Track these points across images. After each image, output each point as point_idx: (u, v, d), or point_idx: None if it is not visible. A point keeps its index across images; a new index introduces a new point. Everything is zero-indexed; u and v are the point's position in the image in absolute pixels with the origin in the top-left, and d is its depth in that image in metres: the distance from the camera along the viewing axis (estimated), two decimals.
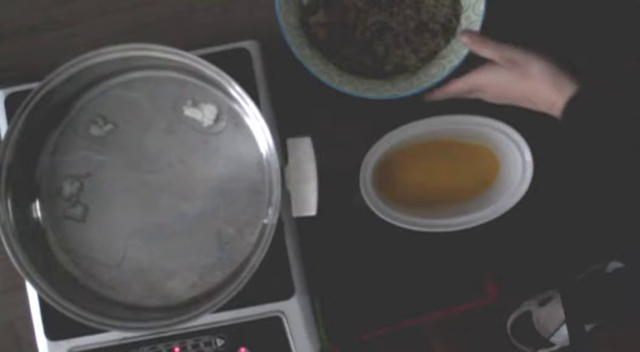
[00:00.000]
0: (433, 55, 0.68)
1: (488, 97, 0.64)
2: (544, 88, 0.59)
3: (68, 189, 0.63)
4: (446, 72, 0.64)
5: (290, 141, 0.58)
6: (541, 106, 0.60)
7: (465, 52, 0.63)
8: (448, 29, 0.67)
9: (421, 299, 0.71)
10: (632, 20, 0.70)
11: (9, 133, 0.59)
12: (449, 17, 0.67)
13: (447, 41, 0.67)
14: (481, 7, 0.63)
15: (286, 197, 0.58)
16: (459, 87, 0.64)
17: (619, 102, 0.56)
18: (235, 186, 0.62)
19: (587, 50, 0.69)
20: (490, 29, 0.63)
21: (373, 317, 0.71)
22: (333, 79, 0.64)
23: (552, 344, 0.72)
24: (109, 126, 0.63)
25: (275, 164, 0.57)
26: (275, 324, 0.61)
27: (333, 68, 0.66)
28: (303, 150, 0.58)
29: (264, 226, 0.61)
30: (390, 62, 0.67)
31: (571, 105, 0.57)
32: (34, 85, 0.59)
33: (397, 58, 0.67)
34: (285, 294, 0.61)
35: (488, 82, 0.62)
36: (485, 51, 0.61)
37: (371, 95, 0.64)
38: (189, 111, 0.62)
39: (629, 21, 0.70)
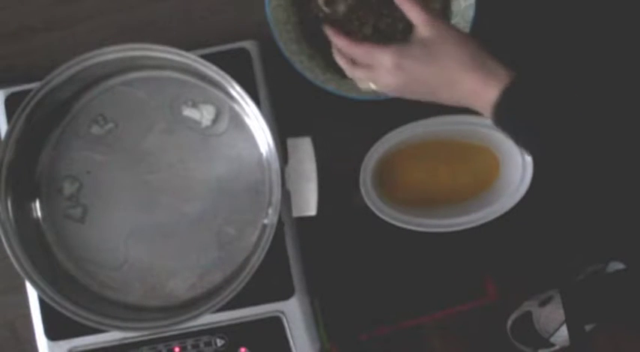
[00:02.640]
0: None
1: (391, 85, 0.55)
2: (466, 74, 0.50)
3: (68, 188, 0.63)
4: None
5: (290, 141, 0.59)
6: (461, 98, 0.52)
7: None
8: None
9: (421, 299, 0.71)
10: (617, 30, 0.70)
11: (9, 133, 0.59)
12: None
13: None
14: (470, 13, 0.63)
15: (286, 197, 0.58)
16: (361, 49, 0.56)
17: (564, 92, 0.48)
18: (235, 186, 0.62)
19: (576, 58, 0.69)
20: (478, 36, 0.63)
21: (373, 317, 0.71)
22: (317, 77, 0.64)
23: (552, 344, 0.72)
24: (110, 125, 0.63)
25: (275, 164, 0.57)
26: (275, 324, 0.61)
27: (318, 66, 0.66)
28: (303, 150, 0.58)
29: (264, 226, 0.61)
30: None
31: (507, 97, 0.48)
32: (34, 85, 0.59)
33: None
34: (285, 294, 0.61)
35: (392, 62, 0.53)
36: (413, 12, 0.54)
37: (353, 95, 0.64)
38: (188, 112, 0.63)
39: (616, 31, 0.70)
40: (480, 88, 0.50)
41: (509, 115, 0.49)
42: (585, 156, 0.48)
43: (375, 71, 0.56)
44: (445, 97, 0.54)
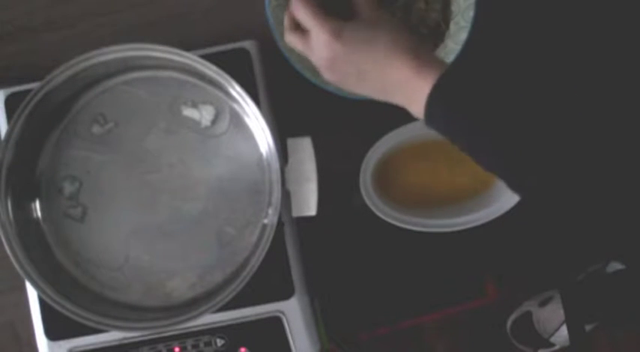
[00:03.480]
0: None
1: (323, 57, 0.51)
2: (398, 59, 0.46)
3: (68, 188, 0.63)
4: None
5: (290, 141, 0.59)
6: (389, 86, 0.48)
7: (451, 57, 0.64)
8: (437, 34, 0.67)
9: (421, 299, 0.71)
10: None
11: (9, 133, 0.59)
12: (438, 22, 0.67)
13: (436, 46, 0.67)
14: (470, 13, 0.63)
15: (286, 197, 0.58)
16: (309, 9, 0.51)
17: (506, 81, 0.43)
18: (235, 186, 0.62)
19: (578, 58, 0.69)
20: (478, 36, 0.63)
21: (373, 317, 0.71)
22: (317, 76, 0.64)
23: (552, 344, 0.72)
24: (110, 125, 0.63)
25: (275, 164, 0.57)
26: (275, 324, 0.61)
27: None
28: (303, 150, 0.58)
29: (264, 226, 0.61)
30: None
31: (439, 88, 0.43)
32: (34, 85, 0.59)
33: None
34: (285, 294, 0.61)
35: (332, 28, 0.49)
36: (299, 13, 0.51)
37: (355, 95, 0.64)
38: (187, 112, 0.63)
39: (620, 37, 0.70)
40: (411, 76, 0.46)
41: (440, 107, 0.45)
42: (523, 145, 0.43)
43: (311, 38, 0.52)
44: (373, 84, 0.50)
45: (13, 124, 0.59)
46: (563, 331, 0.70)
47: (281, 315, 0.61)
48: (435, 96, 0.45)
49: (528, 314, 0.72)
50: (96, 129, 0.63)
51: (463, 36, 0.64)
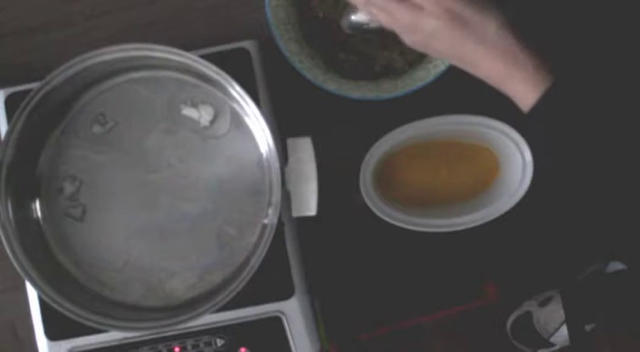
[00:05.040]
0: (421, 58, 0.67)
1: (432, 30, 0.52)
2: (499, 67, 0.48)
3: (69, 188, 0.63)
4: (431, 76, 0.64)
5: (290, 141, 0.59)
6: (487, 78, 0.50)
7: None
8: None
9: (421, 299, 0.71)
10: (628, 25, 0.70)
11: (9, 133, 0.59)
12: None
13: None
14: None
15: (286, 197, 0.59)
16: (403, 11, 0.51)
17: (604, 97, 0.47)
18: (235, 186, 0.62)
19: (579, 58, 0.68)
20: None
21: (373, 317, 0.71)
22: (317, 77, 0.64)
23: (552, 344, 0.72)
24: (111, 124, 0.63)
25: (275, 164, 0.57)
26: (275, 324, 0.62)
27: (319, 66, 0.66)
28: (303, 150, 0.58)
29: (264, 226, 0.61)
30: (378, 63, 0.67)
31: (549, 99, 0.46)
32: (34, 85, 0.59)
33: (385, 60, 0.67)
34: (285, 294, 0.61)
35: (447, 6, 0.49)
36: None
37: (355, 95, 0.64)
38: (187, 111, 0.63)
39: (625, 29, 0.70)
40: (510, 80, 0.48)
41: (542, 123, 0.48)
42: (594, 162, 0.47)
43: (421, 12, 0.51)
44: (467, 69, 0.52)
45: (13, 124, 0.59)
46: (563, 331, 0.70)
47: (281, 315, 0.61)
48: (535, 114, 0.47)
49: (528, 314, 0.72)
50: (96, 128, 0.63)
51: None
